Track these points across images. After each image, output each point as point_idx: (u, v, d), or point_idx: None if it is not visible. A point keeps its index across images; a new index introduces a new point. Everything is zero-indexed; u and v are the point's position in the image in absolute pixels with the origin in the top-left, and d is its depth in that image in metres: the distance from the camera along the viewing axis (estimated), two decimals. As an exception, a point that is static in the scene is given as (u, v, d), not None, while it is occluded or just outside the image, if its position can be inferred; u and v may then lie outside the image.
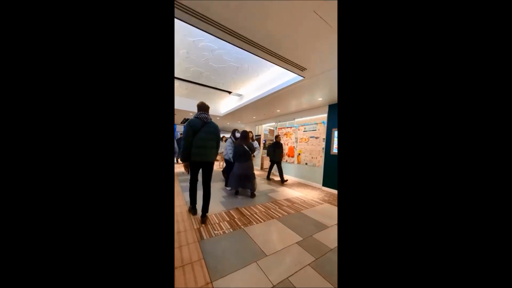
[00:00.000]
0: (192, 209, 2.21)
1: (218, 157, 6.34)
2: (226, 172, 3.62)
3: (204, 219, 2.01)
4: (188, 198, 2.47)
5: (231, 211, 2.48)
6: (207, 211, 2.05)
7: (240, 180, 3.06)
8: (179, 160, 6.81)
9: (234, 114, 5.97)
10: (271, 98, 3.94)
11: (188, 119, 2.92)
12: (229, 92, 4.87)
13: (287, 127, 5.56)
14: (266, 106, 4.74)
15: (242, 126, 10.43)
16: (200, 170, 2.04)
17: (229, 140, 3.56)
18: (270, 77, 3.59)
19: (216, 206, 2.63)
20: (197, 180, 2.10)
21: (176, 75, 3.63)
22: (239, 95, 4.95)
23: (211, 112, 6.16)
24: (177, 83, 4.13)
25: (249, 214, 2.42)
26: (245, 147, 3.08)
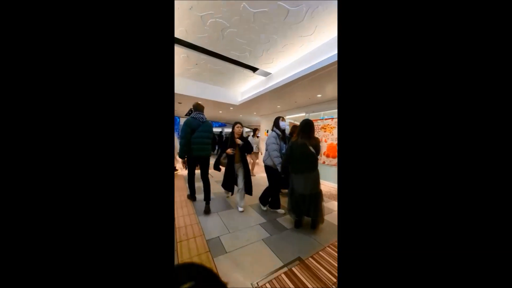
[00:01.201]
0: (191, 196, 2.50)
1: (250, 159, 4.81)
2: (269, 186, 2.25)
3: (207, 208, 2.15)
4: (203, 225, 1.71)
5: (295, 270, 1.31)
6: (209, 199, 2.21)
7: (303, 203, 1.78)
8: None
9: (255, 101, 4.72)
10: (318, 76, 2.68)
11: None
12: (254, 70, 3.62)
13: (324, 119, 4.31)
14: (305, 90, 3.48)
15: (255, 120, 9.15)
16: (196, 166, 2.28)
17: (272, 134, 2.12)
18: (327, 39, 2.34)
19: (262, 250, 1.47)
20: (194, 173, 2.31)
21: (181, 35, 2.38)
22: (267, 74, 3.69)
23: (224, 99, 4.93)
24: (184, 53, 2.90)
25: (327, 275, 1.25)
26: (310, 148, 1.72)
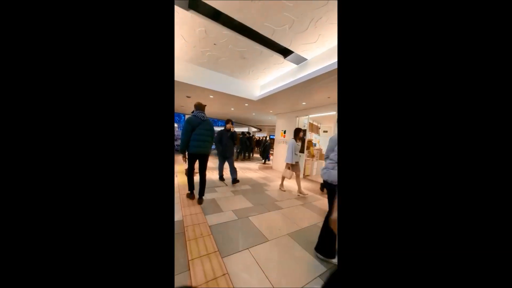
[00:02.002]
0: (190, 194, 2.42)
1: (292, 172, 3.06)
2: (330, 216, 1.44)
3: (201, 200, 2.32)
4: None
5: None
6: (203, 195, 2.36)
7: None
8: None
9: (276, 97, 4.01)
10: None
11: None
12: (285, 55, 2.92)
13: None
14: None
15: (269, 119, 8.44)
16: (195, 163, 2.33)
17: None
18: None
19: None
20: (193, 169, 2.31)
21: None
22: (302, 60, 2.98)
23: (240, 93, 4.25)
24: (202, 25, 2.21)
25: None
26: None
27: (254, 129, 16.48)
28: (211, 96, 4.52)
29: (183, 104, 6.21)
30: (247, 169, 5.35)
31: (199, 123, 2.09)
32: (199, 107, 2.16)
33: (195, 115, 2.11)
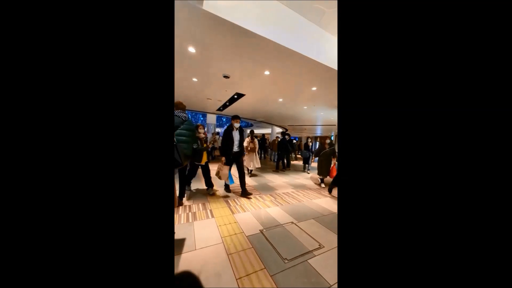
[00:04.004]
0: (179, 200, 2.35)
1: None
2: None
3: (180, 202, 2.27)
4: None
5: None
6: (189, 185, 2.62)
7: None
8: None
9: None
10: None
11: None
12: None
13: None
14: None
15: (313, 116, 6.33)
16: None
17: None
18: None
19: None
20: (185, 171, 2.34)
21: None
22: None
23: (320, 57, 2.36)
24: None
25: None
26: None
27: (278, 129, 14.38)
28: (267, 73, 2.72)
29: (212, 96, 4.55)
30: (305, 189, 3.33)
31: (182, 123, 1.94)
32: (179, 106, 2.04)
33: (176, 115, 1.93)
